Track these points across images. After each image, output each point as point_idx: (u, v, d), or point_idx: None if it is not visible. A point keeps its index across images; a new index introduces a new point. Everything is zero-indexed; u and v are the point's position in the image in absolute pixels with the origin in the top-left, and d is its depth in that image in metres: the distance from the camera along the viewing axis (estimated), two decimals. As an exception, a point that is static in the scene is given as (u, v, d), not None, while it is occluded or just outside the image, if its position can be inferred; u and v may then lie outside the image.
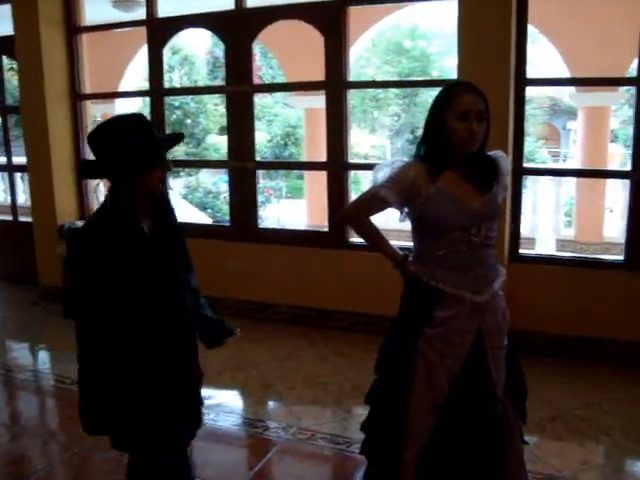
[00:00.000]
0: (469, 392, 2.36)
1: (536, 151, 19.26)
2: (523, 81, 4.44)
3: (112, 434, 2.28)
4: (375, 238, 2.53)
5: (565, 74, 8.47)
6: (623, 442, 3.41)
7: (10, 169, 6.97)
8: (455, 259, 2.30)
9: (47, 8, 5.69)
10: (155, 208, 2.26)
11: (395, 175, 2.32)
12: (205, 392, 4.08)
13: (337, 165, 5.01)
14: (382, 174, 2.37)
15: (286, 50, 9.95)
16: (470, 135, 2.25)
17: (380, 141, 21.58)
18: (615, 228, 9.09)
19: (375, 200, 2.38)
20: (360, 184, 10.25)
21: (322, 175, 5.49)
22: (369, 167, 11.76)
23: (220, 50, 21.61)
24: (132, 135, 2.09)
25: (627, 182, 4.54)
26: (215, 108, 18.92)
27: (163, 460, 2.36)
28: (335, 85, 4.93)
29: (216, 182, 18.20)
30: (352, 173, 5.31)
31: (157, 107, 5.64)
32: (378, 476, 2.54)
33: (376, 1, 5.50)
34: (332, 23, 4.85)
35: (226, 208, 16.35)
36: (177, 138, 2.34)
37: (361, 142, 18.41)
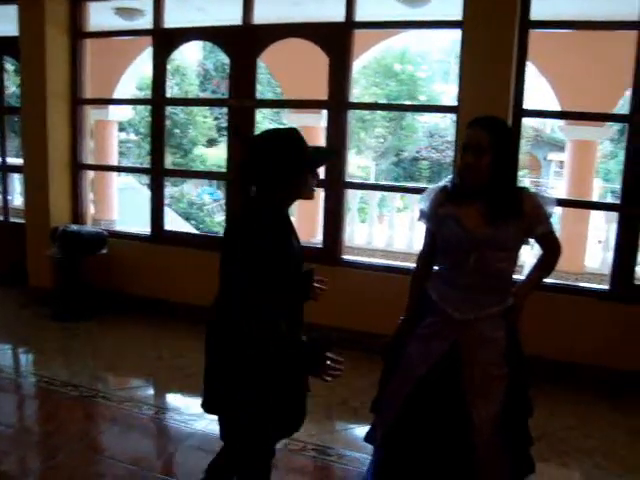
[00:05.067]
0: (434, 401, 2.56)
1: (520, 181, 19.51)
2: (520, 112, 4.53)
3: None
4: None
5: (554, 106, 8.67)
6: (604, 464, 3.51)
7: (4, 170, 6.94)
8: (451, 276, 2.58)
9: (54, 11, 5.71)
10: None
11: (425, 195, 2.66)
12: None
13: (336, 183, 5.07)
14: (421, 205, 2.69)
15: (283, 66, 9.99)
16: (463, 167, 2.47)
17: (365, 162, 21.77)
18: (595, 259, 9.27)
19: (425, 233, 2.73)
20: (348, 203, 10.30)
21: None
22: (364, 187, 11.71)
23: (210, 63, 21.74)
24: (296, 148, 2.23)
25: (610, 214, 4.65)
26: (204, 120, 19.00)
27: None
28: (337, 105, 5.01)
29: (200, 194, 18.22)
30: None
31: (158, 115, 5.69)
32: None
33: (381, 26, 5.60)
34: (338, 45, 4.94)
35: (209, 220, 16.41)
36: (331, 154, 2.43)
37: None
